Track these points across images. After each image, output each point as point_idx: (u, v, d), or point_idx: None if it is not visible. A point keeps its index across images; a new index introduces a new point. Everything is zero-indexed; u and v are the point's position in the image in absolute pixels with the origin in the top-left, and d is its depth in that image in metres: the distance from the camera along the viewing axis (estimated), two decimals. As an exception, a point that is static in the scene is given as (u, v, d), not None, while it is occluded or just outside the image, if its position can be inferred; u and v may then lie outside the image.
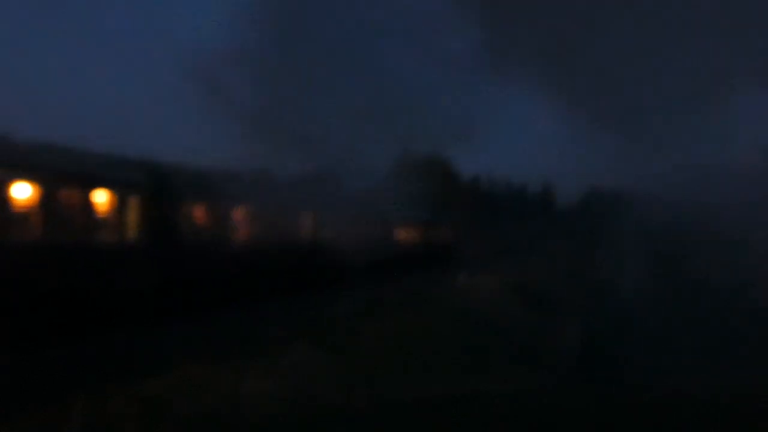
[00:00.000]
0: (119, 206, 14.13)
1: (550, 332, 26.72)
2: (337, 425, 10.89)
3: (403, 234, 34.78)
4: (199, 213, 17.34)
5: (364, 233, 27.00)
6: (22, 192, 11.79)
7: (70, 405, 8.32)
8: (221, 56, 16.97)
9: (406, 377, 14.69)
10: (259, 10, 17.45)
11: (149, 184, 14.95)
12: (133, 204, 14.50)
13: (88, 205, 13.37)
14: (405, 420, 11.80)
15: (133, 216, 14.49)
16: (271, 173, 21.74)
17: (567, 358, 22.74)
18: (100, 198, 13.76)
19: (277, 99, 18.94)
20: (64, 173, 12.95)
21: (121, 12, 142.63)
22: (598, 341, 25.53)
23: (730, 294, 31.18)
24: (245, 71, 18.36)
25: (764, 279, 28.96)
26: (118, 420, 8.57)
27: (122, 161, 15.00)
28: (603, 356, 22.80)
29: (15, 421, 7.68)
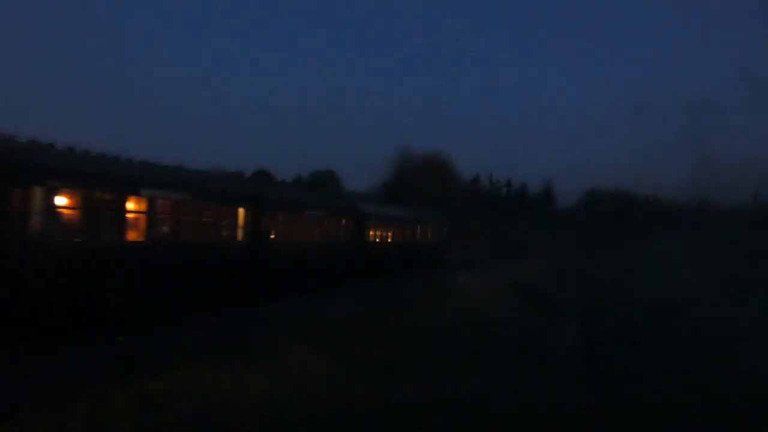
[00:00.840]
0: None
1: (550, 332, 26.66)
2: (337, 425, 10.87)
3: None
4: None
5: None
6: None
7: (70, 405, 8.29)
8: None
9: (405, 377, 14.65)
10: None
11: None
12: None
13: None
14: (405, 420, 11.77)
15: None
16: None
17: (567, 358, 22.66)
18: None
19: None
20: None
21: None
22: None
23: None
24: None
25: None
26: (118, 420, 8.54)
27: None
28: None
29: (15, 421, 7.65)
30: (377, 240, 28.79)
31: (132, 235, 13.78)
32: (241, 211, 17.68)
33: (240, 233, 17.74)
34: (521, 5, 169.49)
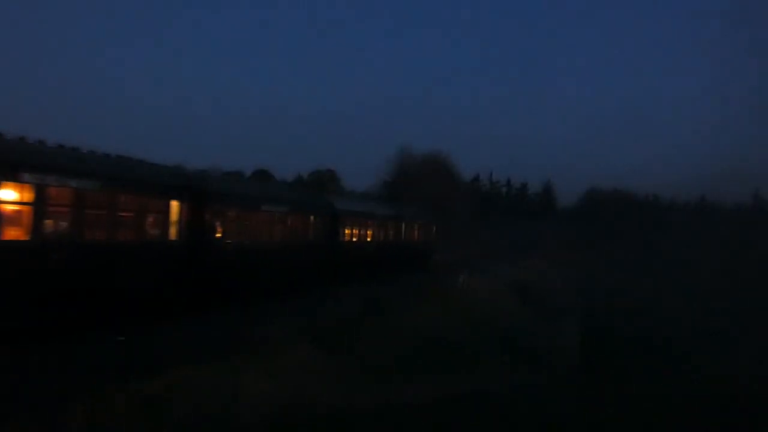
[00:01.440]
0: None
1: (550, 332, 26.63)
2: (337, 425, 10.88)
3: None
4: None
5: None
6: None
7: (71, 405, 8.31)
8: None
9: (406, 377, 14.66)
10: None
11: None
12: None
13: None
14: (405, 419, 11.79)
15: None
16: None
17: (567, 358, 22.67)
18: None
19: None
20: None
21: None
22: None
23: None
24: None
25: None
26: (118, 420, 8.56)
27: None
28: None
29: (15, 421, 7.67)
30: (355, 239, 26.43)
31: (10, 233, 11.07)
32: (174, 204, 15.18)
33: (173, 231, 15.18)
34: (522, 5, 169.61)
